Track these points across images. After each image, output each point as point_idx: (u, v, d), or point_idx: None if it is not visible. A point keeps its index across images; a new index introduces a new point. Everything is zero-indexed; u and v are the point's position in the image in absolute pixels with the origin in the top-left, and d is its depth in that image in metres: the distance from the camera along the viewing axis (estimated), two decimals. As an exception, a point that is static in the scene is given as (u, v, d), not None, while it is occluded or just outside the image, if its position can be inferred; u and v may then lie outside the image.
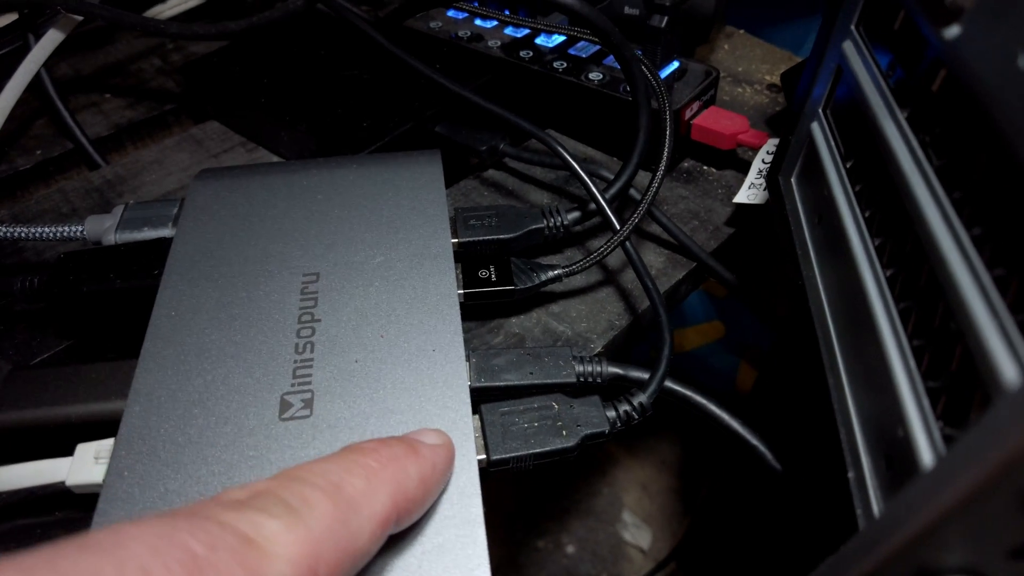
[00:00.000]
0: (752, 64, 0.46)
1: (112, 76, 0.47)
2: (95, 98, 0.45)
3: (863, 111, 0.20)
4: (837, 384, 0.19)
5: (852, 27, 0.22)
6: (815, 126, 0.24)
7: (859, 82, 0.20)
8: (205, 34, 0.39)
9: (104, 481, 0.21)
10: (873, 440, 0.17)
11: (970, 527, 0.11)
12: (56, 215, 0.36)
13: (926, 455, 0.13)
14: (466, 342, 0.25)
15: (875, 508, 0.15)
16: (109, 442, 0.22)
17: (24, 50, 0.39)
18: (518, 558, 0.65)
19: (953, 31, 0.15)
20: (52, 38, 0.39)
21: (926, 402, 0.15)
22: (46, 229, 0.30)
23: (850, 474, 0.18)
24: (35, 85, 0.40)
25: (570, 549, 0.67)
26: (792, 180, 0.26)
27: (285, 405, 0.22)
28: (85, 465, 0.22)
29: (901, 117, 0.18)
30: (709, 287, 0.59)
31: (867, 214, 0.19)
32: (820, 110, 0.24)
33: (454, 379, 0.23)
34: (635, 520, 0.68)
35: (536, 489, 0.69)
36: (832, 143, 0.22)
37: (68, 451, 0.22)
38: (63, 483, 0.22)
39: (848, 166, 0.21)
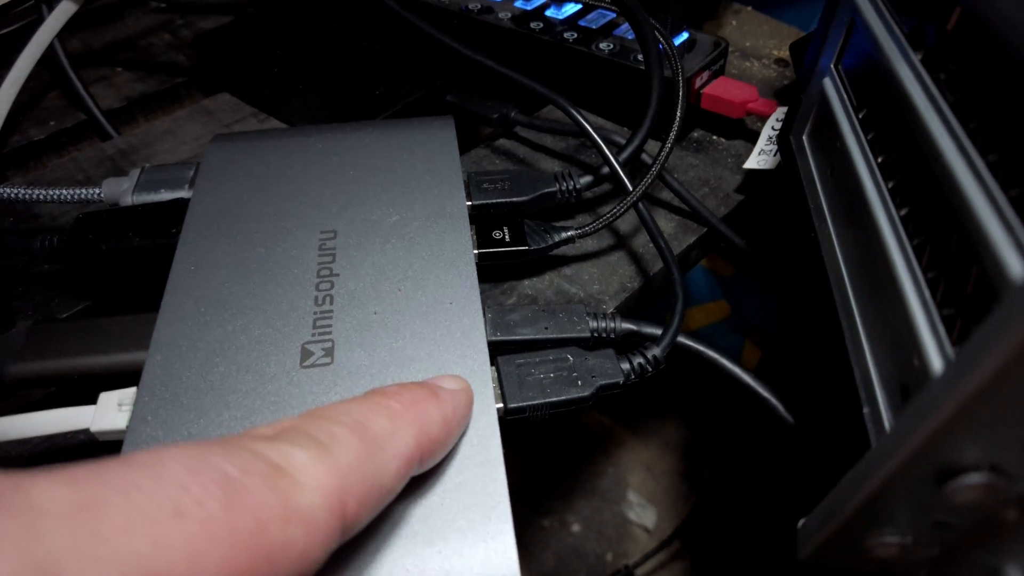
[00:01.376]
0: (760, 40, 0.47)
1: (123, 51, 0.47)
2: (106, 72, 0.45)
3: (877, 59, 0.20)
4: (851, 326, 0.20)
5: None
6: (827, 81, 0.24)
7: (873, 31, 0.20)
8: (217, 5, 0.39)
9: (128, 427, 0.21)
10: (888, 373, 0.17)
11: (985, 422, 0.11)
12: (71, 183, 0.36)
13: (937, 364, 0.13)
14: (483, 305, 0.25)
15: (888, 428, 0.15)
16: (131, 390, 0.22)
17: (37, 22, 0.40)
18: (523, 537, 0.65)
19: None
20: (65, 8, 0.40)
21: (941, 328, 0.15)
22: (63, 191, 0.31)
23: (865, 409, 0.18)
24: (47, 59, 0.40)
25: (575, 528, 0.67)
26: (804, 138, 0.26)
27: (306, 353, 0.22)
28: (109, 412, 0.22)
29: (915, 59, 0.18)
30: (715, 267, 0.59)
31: (880, 159, 0.20)
32: (832, 65, 0.24)
33: (472, 330, 0.23)
34: (640, 500, 0.69)
35: (541, 469, 0.69)
36: (845, 95, 0.23)
37: (91, 401, 0.23)
38: (87, 430, 0.22)
39: (861, 116, 0.21)
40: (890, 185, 0.19)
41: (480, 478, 0.20)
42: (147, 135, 0.40)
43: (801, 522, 0.17)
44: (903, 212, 0.18)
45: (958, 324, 0.15)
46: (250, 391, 0.21)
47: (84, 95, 0.41)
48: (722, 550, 0.65)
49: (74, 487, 0.11)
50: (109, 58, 0.47)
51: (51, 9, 0.39)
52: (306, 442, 0.15)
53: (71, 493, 0.11)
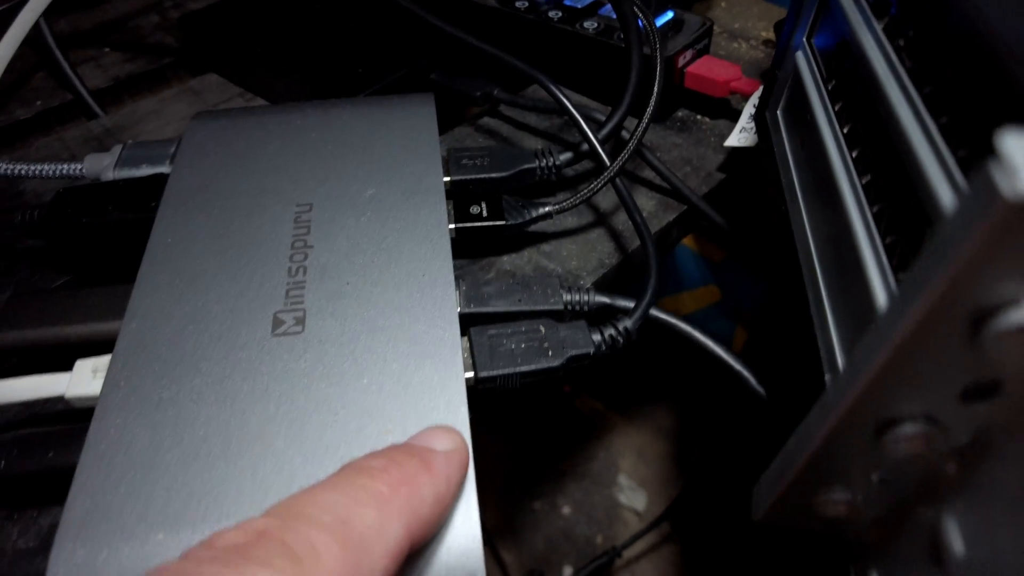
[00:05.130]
0: (749, 21, 0.47)
1: (110, 32, 0.47)
2: (93, 53, 0.45)
3: (843, 28, 0.20)
4: (816, 297, 0.20)
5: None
6: (799, 55, 0.24)
7: (841, 5, 0.21)
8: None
9: (100, 393, 0.21)
10: (848, 341, 0.18)
11: (922, 369, 0.11)
12: (56, 161, 0.37)
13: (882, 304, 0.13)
14: (457, 278, 0.25)
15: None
16: (107, 358, 0.23)
17: (24, 2, 0.40)
18: (514, 519, 0.65)
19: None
20: (51, -13, 0.40)
21: (891, 278, 0.15)
22: (46, 166, 0.31)
23: (827, 377, 0.18)
24: (34, 41, 0.40)
25: (566, 511, 0.68)
26: (778, 112, 0.26)
27: (277, 322, 0.23)
28: (83, 378, 0.22)
29: (878, 27, 0.18)
30: (705, 252, 0.59)
31: (846, 130, 0.20)
32: (804, 39, 0.24)
33: (443, 300, 0.24)
34: (631, 483, 0.69)
35: (532, 453, 0.69)
36: (815, 68, 0.23)
37: (68, 369, 0.23)
38: (62, 396, 0.23)
39: (829, 87, 0.22)
40: (854, 154, 0.19)
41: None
42: (133, 114, 0.40)
43: (755, 487, 0.17)
44: (865, 180, 0.18)
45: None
46: (222, 358, 0.22)
47: (70, 74, 0.41)
48: (710, 532, 0.65)
49: None
50: (97, 39, 0.47)
51: (37, -13, 0.39)
52: (280, 561, 0.13)
53: None
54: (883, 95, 0.17)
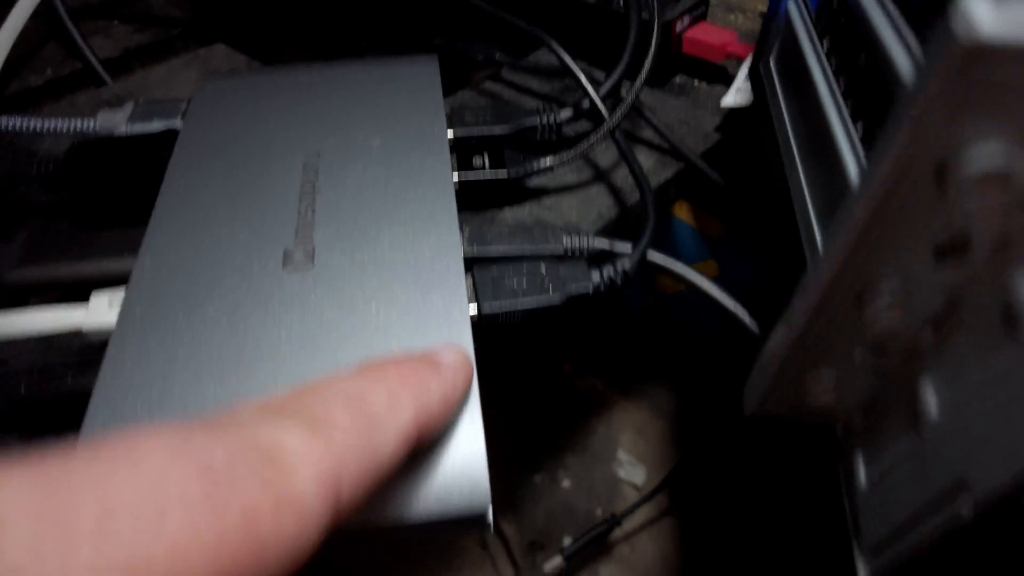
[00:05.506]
0: (745, -6, 0.47)
1: (119, 6, 0.48)
2: (102, 24, 0.46)
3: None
4: (804, 220, 0.21)
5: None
6: (791, 4, 0.25)
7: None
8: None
9: (118, 319, 0.22)
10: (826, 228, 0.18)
11: (895, 231, 0.12)
12: (69, 117, 0.37)
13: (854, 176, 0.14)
14: (460, 223, 0.26)
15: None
16: (122, 290, 0.23)
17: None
18: (515, 492, 0.66)
19: None
20: (62, -43, 0.40)
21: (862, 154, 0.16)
22: (59, 122, 0.32)
23: (808, 264, 0.19)
24: (44, 13, 0.41)
25: (566, 484, 0.68)
26: (771, 61, 0.27)
27: (288, 257, 0.24)
28: (100, 310, 0.23)
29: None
30: (703, 226, 0.60)
31: (834, 64, 0.21)
32: (796, -10, 0.25)
33: (448, 237, 0.24)
34: (630, 459, 0.70)
35: (533, 429, 0.70)
36: (804, 15, 0.24)
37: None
38: (79, 329, 0.23)
39: (818, 30, 0.22)
40: (841, 82, 0.20)
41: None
42: (143, 81, 0.41)
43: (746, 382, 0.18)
44: (851, 104, 0.19)
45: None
46: (233, 288, 0.22)
47: (80, 43, 0.42)
48: (709, 506, 0.66)
49: (39, 488, 0.10)
50: (106, 12, 0.47)
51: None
52: (298, 423, 0.14)
53: (36, 495, 0.10)
54: (868, 22, 0.17)
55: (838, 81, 0.19)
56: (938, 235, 0.12)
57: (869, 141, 0.16)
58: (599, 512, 0.66)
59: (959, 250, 0.12)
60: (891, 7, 0.15)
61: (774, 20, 0.27)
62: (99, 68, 0.42)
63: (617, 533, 0.64)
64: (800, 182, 0.22)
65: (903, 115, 0.10)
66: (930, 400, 0.13)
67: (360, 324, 0.22)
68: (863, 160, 0.16)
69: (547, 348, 0.78)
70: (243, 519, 0.12)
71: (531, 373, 0.76)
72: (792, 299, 0.15)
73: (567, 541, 0.61)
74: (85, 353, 0.24)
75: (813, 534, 0.64)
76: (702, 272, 0.28)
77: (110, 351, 0.21)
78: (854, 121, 0.19)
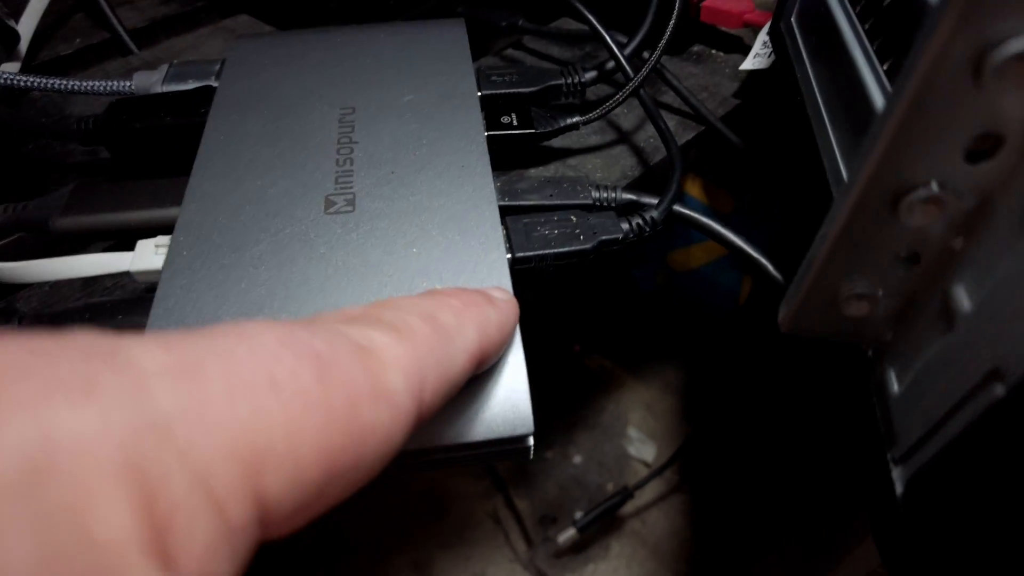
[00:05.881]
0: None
1: (144, -22, 0.49)
2: (129, -3, 0.47)
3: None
4: (835, 174, 0.21)
5: None
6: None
7: None
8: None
9: (165, 260, 0.23)
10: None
11: (930, 126, 0.13)
12: (106, 78, 0.38)
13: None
14: (491, 177, 0.27)
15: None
16: (167, 237, 0.24)
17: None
18: (527, 468, 0.67)
19: None
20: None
21: (886, 81, 0.17)
22: (96, 83, 0.32)
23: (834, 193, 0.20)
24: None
25: (577, 459, 0.69)
26: (792, 20, 0.28)
27: (329, 203, 0.24)
28: (146, 254, 0.24)
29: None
30: (715, 203, 0.61)
31: (857, 9, 0.21)
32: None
33: (483, 187, 0.25)
34: (640, 435, 0.71)
35: (544, 406, 0.71)
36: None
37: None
38: (127, 272, 0.24)
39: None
40: (866, 26, 0.20)
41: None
42: (171, 50, 0.42)
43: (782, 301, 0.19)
44: (876, 45, 0.20)
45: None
46: (278, 231, 0.23)
47: (108, 13, 0.43)
48: (719, 481, 0.67)
49: (171, 351, 0.11)
50: (131, -16, 0.48)
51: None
52: (384, 326, 0.15)
53: (169, 356, 0.11)
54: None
55: (863, 24, 0.20)
56: (973, 131, 0.13)
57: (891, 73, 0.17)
58: (610, 487, 0.67)
59: (993, 147, 0.12)
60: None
61: (797, -21, 0.28)
62: (126, 38, 0.42)
63: (628, 508, 0.65)
64: (829, 138, 0.22)
65: (941, 12, 0.11)
66: (962, 298, 0.14)
67: (403, 265, 0.22)
68: (885, 81, 0.17)
69: (557, 328, 0.79)
70: (347, 404, 0.12)
71: (541, 353, 0.77)
72: (831, 208, 0.15)
73: (578, 516, 0.62)
74: (133, 294, 0.25)
75: (822, 508, 0.65)
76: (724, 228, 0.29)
77: (161, 289, 0.22)
78: (881, 62, 0.19)
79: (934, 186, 0.13)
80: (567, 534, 0.61)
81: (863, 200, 0.14)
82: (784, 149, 0.36)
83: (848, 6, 0.22)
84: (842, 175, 0.21)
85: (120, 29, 0.42)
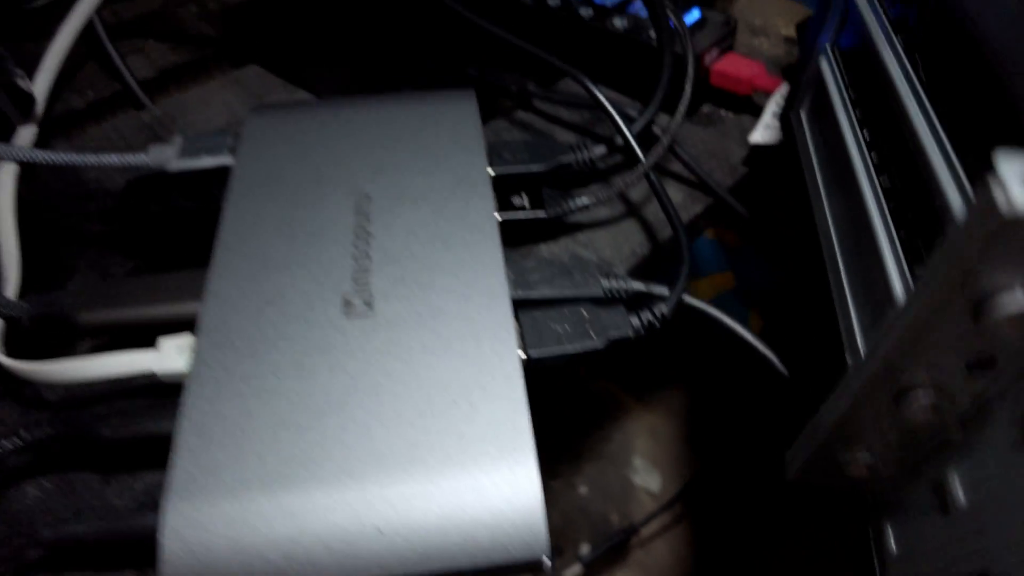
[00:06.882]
0: (769, 18, 0.48)
1: (152, 23, 0.49)
2: (138, 43, 0.47)
3: (865, 41, 0.22)
4: (838, 284, 0.22)
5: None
6: (823, 61, 0.26)
7: (863, 17, 0.22)
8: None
9: (190, 370, 0.23)
10: (867, 327, 0.20)
11: (933, 346, 0.13)
12: (113, 150, 0.39)
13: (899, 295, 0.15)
14: (502, 264, 0.27)
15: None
16: (186, 335, 0.25)
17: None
18: (532, 495, 0.68)
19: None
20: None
21: (907, 270, 0.17)
22: (112, 157, 0.33)
23: (848, 356, 0.20)
24: (83, 32, 0.42)
25: (582, 490, 0.70)
26: (802, 113, 0.28)
27: (348, 305, 0.25)
28: (170, 355, 0.25)
29: (897, 42, 0.20)
30: (721, 238, 0.61)
31: (866, 134, 0.22)
32: (828, 46, 0.26)
33: (496, 286, 0.26)
34: (645, 465, 0.72)
35: (550, 435, 0.72)
36: (837, 75, 0.25)
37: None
38: (152, 372, 0.25)
39: (850, 95, 0.24)
40: (874, 157, 0.21)
41: (506, 413, 0.22)
42: (181, 104, 0.42)
43: (788, 451, 0.19)
44: (883, 180, 0.20)
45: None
46: (299, 337, 0.24)
47: (120, 66, 0.43)
48: (725, 513, 0.68)
49: None
50: (140, 30, 0.49)
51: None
52: None
53: None
54: (901, 107, 0.19)
55: (875, 165, 0.21)
56: (971, 352, 0.13)
57: (907, 245, 0.18)
58: (615, 517, 0.68)
59: (988, 364, 0.13)
60: (940, 131, 0.16)
61: (805, 72, 0.28)
62: (139, 92, 0.43)
63: (633, 540, 0.66)
64: (829, 230, 0.23)
65: (950, 259, 0.12)
66: (957, 489, 0.14)
67: (421, 373, 0.23)
68: (902, 259, 0.17)
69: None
70: None
71: (545, 378, 0.78)
72: (836, 389, 0.16)
73: (583, 546, 0.62)
74: (157, 395, 0.25)
75: (830, 544, 0.66)
76: (737, 322, 0.29)
77: (188, 400, 0.22)
78: (892, 217, 0.20)
79: (933, 390, 0.14)
80: (573, 569, 0.61)
81: (865, 396, 0.15)
82: (787, 218, 0.36)
83: (857, 129, 0.22)
84: (845, 293, 0.22)
85: (133, 83, 0.43)
